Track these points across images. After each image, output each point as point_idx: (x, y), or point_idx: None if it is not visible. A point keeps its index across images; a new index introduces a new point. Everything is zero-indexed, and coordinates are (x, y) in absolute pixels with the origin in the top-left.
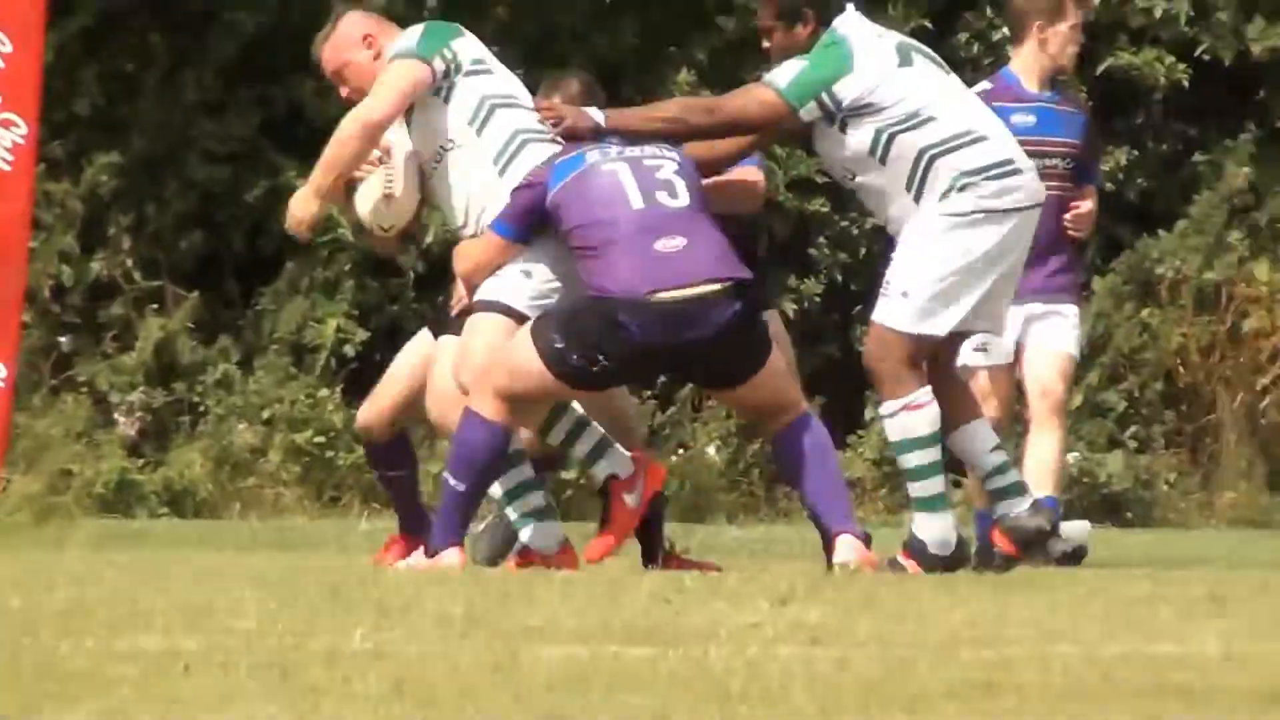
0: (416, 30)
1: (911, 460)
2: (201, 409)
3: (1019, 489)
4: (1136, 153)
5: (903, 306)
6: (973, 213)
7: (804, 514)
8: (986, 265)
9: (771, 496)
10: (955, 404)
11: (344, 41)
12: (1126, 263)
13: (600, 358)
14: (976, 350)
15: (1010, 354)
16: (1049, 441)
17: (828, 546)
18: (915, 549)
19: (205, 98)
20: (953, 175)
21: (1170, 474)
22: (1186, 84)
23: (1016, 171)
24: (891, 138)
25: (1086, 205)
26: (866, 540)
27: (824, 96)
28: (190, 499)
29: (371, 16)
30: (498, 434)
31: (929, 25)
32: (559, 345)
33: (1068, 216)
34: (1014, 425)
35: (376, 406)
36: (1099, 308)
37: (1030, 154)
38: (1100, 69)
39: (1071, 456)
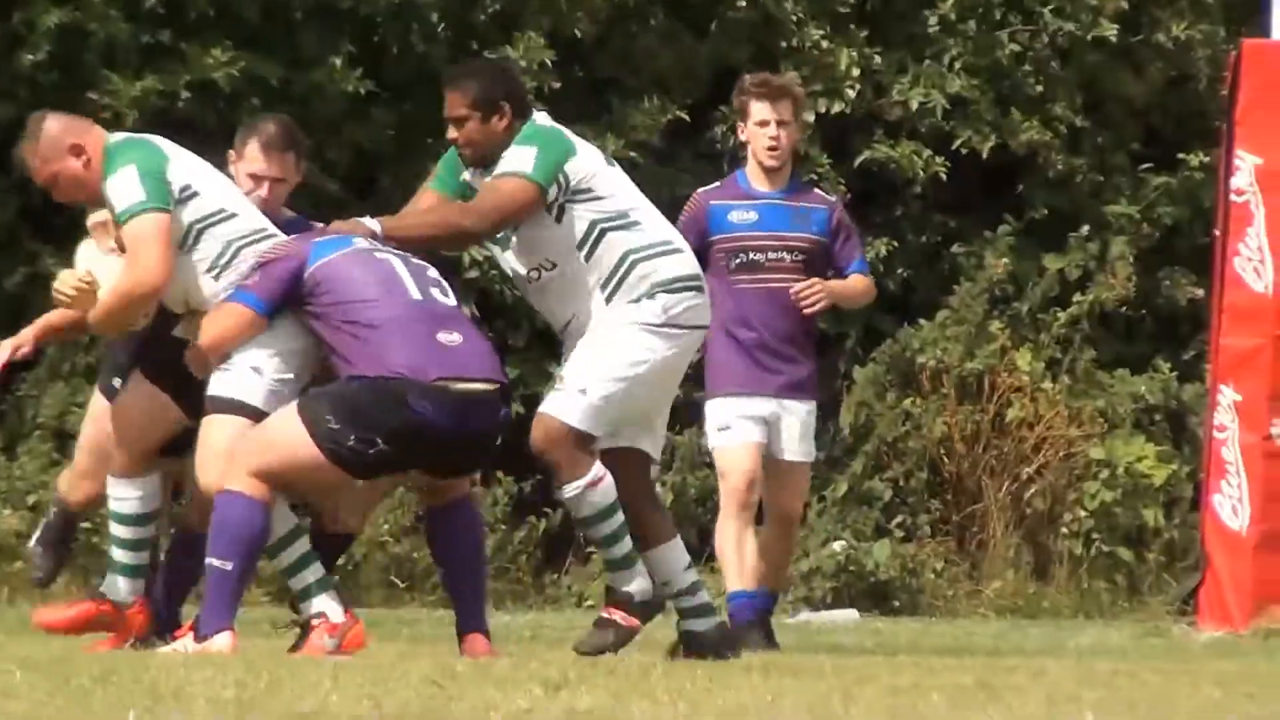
0: (133, 181)
1: (602, 530)
2: None
3: (707, 609)
4: (896, 244)
5: (576, 402)
6: (659, 324)
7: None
8: (659, 376)
9: (540, 583)
10: (651, 526)
11: (51, 152)
12: (888, 352)
13: (379, 440)
14: (721, 430)
15: (761, 436)
16: (778, 544)
17: (460, 638)
18: (623, 601)
19: None
20: (648, 283)
21: (937, 562)
22: (944, 176)
23: (700, 290)
24: (603, 233)
25: (808, 281)
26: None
27: (560, 176)
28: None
29: (73, 121)
30: (257, 510)
31: (687, 118)
32: (333, 425)
33: (793, 291)
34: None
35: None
36: (861, 397)
37: (753, 248)
38: (857, 162)
39: (838, 545)
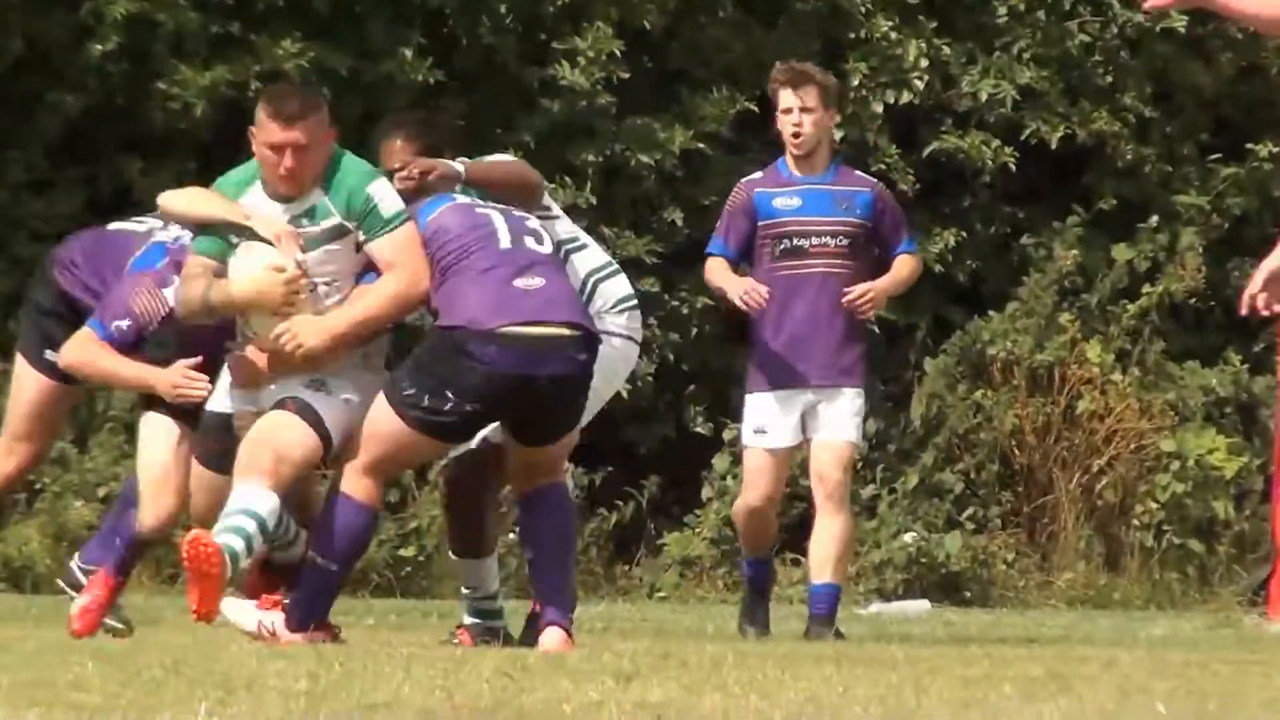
0: (393, 191)
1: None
2: (38, 486)
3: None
4: (965, 234)
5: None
6: (628, 336)
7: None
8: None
9: (611, 574)
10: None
11: (326, 123)
12: (958, 344)
13: (450, 394)
14: (756, 432)
15: (793, 438)
16: (829, 528)
17: (536, 623)
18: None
19: (32, 177)
20: (612, 299)
21: (1008, 554)
22: (1013, 167)
23: (638, 307)
24: (567, 255)
25: (859, 288)
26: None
27: None
28: (28, 575)
29: None
30: (364, 515)
31: (755, 109)
32: (409, 391)
33: (845, 301)
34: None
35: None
36: (931, 389)
37: (797, 234)
38: (926, 152)
39: (909, 537)
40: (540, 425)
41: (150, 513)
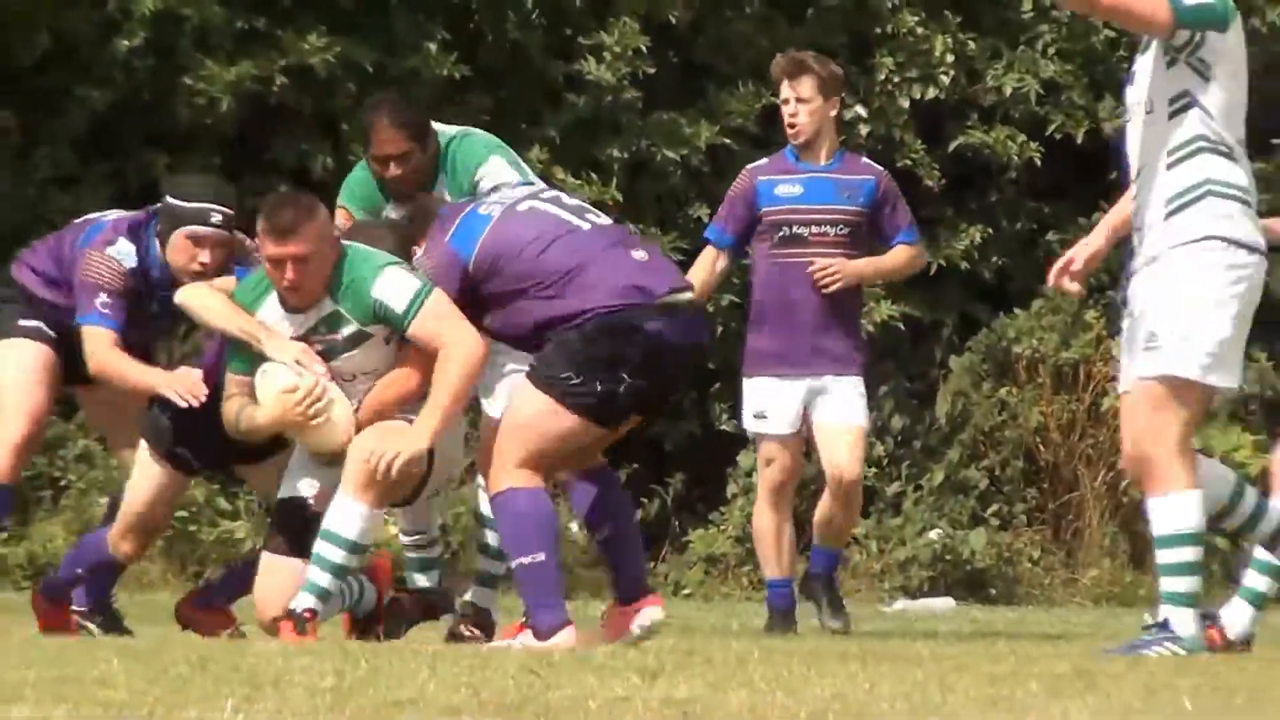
0: (397, 277)
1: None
2: (63, 483)
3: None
4: (991, 231)
5: None
6: None
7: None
8: None
9: None
10: None
11: (325, 229)
12: (984, 341)
13: (625, 375)
14: (756, 417)
15: (795, 423)
16: (840, 515)
17: (626, 607)
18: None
19: (58, 173)
20: None
21: (1034, 551)
22: (1039, 162)
23: None
24: None
25: (821, 261)
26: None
27: None
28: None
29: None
30: (540, 497)
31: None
32: (575, 381)
33: (808, 271)
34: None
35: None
36: (957, 386)
37: (797, 222)
38: (952, 148)
39: (934, 534)
40: (671, 393)
41: (131, 544)
